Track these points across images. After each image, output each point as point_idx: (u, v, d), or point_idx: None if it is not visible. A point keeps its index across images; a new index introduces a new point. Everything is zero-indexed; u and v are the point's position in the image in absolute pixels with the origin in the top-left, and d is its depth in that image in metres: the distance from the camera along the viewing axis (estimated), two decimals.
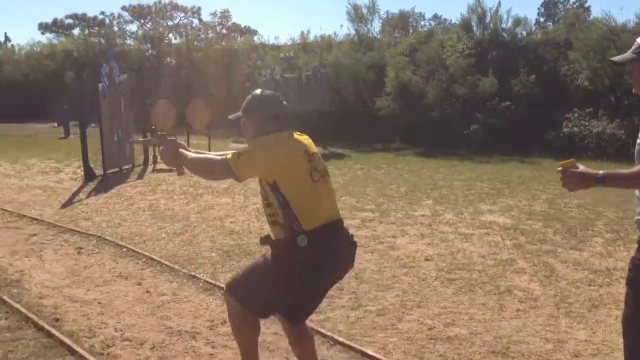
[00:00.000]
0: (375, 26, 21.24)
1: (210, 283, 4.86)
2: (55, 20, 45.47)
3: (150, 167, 11.87)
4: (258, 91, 2.95)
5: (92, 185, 9.91)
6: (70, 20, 45.61)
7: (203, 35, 33.13)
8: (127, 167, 11.60)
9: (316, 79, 16.23)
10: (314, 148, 2.88)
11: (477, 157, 13.22)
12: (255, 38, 27.95)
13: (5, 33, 54.80)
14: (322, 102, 16.16)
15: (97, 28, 41.83)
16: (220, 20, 41.50)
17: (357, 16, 20.66)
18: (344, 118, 17.02)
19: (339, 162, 12.78)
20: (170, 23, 42.37)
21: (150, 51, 27.64)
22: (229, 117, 3.05)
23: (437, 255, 5.62)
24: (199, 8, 44.38)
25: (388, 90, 16.66)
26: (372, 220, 7.06)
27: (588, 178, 2.24)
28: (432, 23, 40.61)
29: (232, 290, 2.89)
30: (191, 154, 2.94)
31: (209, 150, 3.14)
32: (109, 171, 10.76)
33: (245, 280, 2.87)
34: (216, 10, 46.47)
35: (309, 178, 2.75)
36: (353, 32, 21.13)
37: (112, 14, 44.81)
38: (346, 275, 4.98)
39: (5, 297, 4.47)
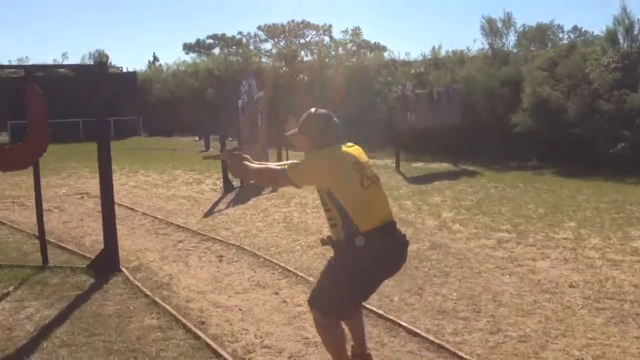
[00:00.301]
0: (511, 40, 20.48)
1: None
2: (198, 41, 48.97)
3: None
4: (312, 110, 3.31)
5: (230, 196, 10.45)
6: (211, 41, 48.93)
7: (334, 53, 33.95)
8: None
9: (448, 95, 15.93)
10: (364, 157, 3.23)
11: (625, 177, 12.22)
12: (385, 54, 28.06)
13: (154, 53, 59.72)
14: (453, 118, 15.82)
15: (234, 47, 44.42)
16: (351, 38, 42.35)
17: (491, 30, 20.04)
18: (476, 134, 16.53)
19: (471, 179, 12.42)
20: (302, 41, 43.96)
21: (284, 68, 28.72)
22: (286, 133, 3.39)
23: (582, 281, 5.26)
24: (330, 26, 45.66)
25: (524, 106, 15.97)
26: (508, 241, 6.77)
27: None
28: (572, 35, 38.43)
29: (312, 302, 3.24)
30: (255, 166, 3.38)
31: None
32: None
33: (320, 289, 3.21)
34: (347, 28, 47.53)
35: (360, 185, 3.09)
36: (487, 46, 20.50)
37: (248, 33, 47.47)
38: (483, 297, 4.86)
39: (157, 299, 4.82)
